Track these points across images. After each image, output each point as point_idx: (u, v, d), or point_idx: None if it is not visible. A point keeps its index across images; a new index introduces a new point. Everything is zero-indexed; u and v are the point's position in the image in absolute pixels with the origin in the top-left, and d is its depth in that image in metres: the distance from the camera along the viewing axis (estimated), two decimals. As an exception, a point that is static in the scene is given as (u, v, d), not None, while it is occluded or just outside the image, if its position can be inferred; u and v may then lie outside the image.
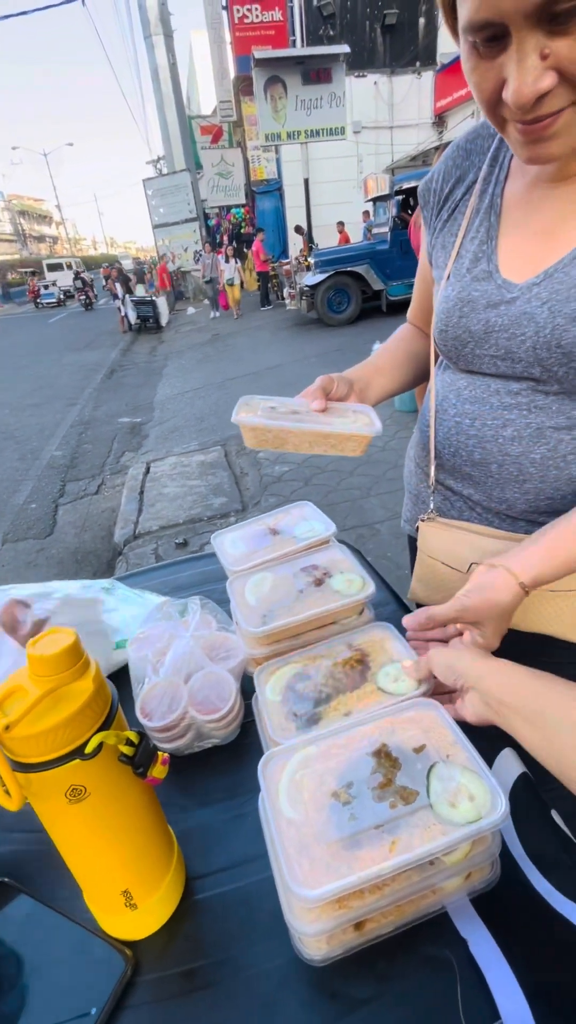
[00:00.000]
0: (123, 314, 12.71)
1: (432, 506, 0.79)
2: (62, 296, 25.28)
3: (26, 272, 37.55)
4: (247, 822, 0.61)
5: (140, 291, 13.37)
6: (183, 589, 1.07)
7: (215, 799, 0.67)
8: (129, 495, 3.95)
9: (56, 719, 0.39)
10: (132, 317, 12.46)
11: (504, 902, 0.51)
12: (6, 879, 0.58)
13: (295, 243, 13.97)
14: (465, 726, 0.54)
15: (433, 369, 0.80)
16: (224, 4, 14.64)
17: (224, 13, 15.03)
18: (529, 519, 0.68)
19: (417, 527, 0.80)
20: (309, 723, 0.61)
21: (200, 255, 13.25)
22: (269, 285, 12.32)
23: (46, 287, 25.69)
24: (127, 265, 19.98)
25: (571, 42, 0.43)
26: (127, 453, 5.03)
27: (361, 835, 0.46)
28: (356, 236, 11.83)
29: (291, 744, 0.56)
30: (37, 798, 0.42)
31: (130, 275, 13.89)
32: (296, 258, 11.47)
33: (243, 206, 18.22)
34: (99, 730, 0.41)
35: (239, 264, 11.82)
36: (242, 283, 12.03)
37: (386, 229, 8.49)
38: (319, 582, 0.79)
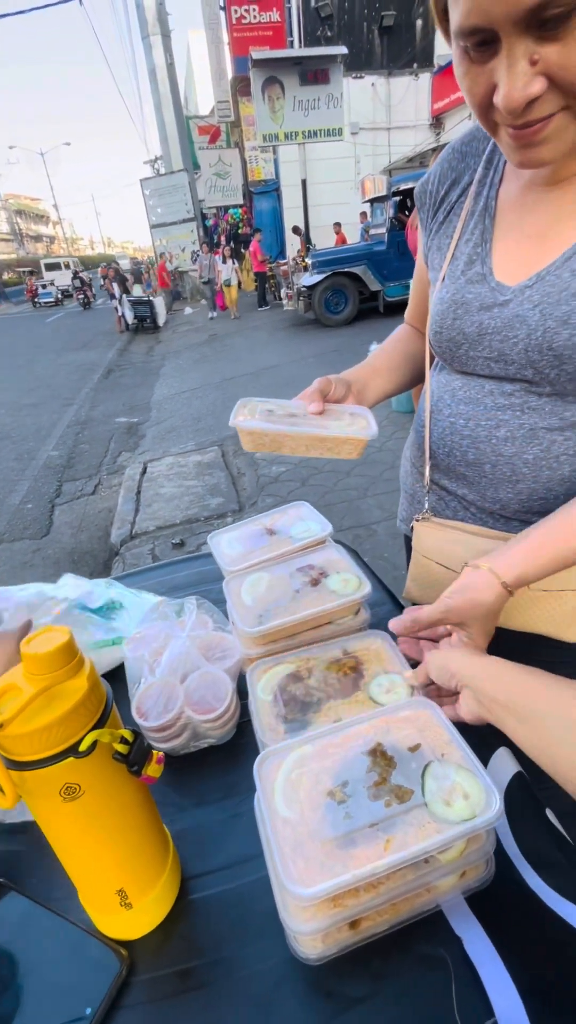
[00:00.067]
0: (120, 314, 12.69)
1: (427, 506, 0.79)
2: (60, 296, 25.53)
3: (23, 272, 37.65)
4: (243, 822, 0.61)
5: (137, 291, 13.36)
6: (179, 589, 1.07)
7: (211, 799, 0.67)
8: (126, 495, 3.94)
9: (50, 717, 0.39)
10: (129, 317, 12.45)
11: (499, 900, 0.51)
12: (0, 879, 0.58)
13: (292, 244, 13.97)
14: (460, 726, 0.55)
15: (428, 370, 0.80)
16: (222, 4, 14.64)
17: (222, 13, 15.04)
18: (523, 519, 0.68)
19: (412, 527, 0.81)
20: (299, 728, 0.61)
21: (197, 255, 13.24)
22: (267, 286, 12.32)
23: (44, 286, 25.94)
24: (124, 265, 20.07)
25: (560, 48, 0.43)
26: (124, 453, 5.02)
27: (356, 833, 0.46)
28: (353, 237, 11.85)
29: (287, 743, 0.56)
30: (31, 796, 0.42)
31: (127, 275, 13.87)
32: (294, 259, 11.48)
33: (241, 206, 18.22)
34: (93, 728, 0.41)
35: (236, 265, 11.81)
36: (240, 283, 12.01)
37: (383, 230, 8.51)
38: (315, 582, 0.79)
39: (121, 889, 0.50)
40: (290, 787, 0.51)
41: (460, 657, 0.56)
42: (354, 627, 0.77)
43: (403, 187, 8.02)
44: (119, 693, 0.74)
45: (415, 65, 15.14)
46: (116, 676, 0.83)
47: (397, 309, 8.15)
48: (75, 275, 21.89)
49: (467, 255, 0.67)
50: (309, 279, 8.73)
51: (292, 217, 14.85)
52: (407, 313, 0.93)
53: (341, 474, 3.76)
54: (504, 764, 0.64)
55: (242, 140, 16.85)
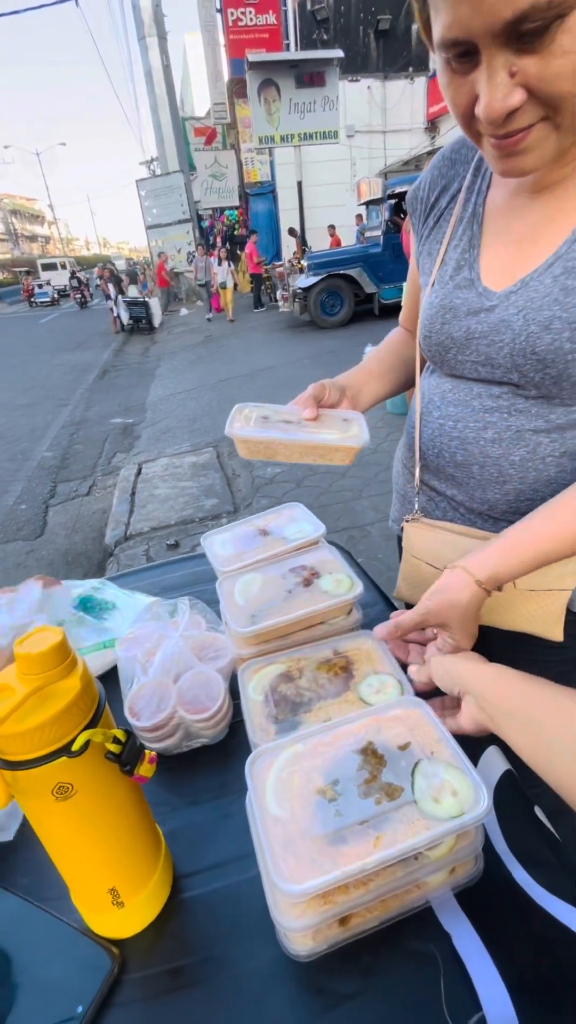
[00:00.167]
0: (115, 315, 12.67)
1: (417, 507, 0.80)
2: (56, 295, 25.91)
3: (18, 271, 37.79)
4: (235, 821, 0.61)
5: (133, 292, 13.34)
6: (173, 590, 1.07)
7: (203, 798, 0.67)
8: (120, 496, 3.93)
9: (43, 717, 0.39)
10: (124, 318, 12.43)
11: (488, 897, 0.52)
12: (-7, 879, 0.58)
13: (288, 245, 14.00)
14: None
15: (418, 373, 0.81)
16: (218, 7, 14.65)
17: (218, 16, 15.06)
18: (510, 520, 0.69)
19: (402, 527, 0.82)
20: (290, 728, 0.61)
21: (193, 256, 13.24)
22: (262, 287, 12.33)
23: (40, 286, 26.30)
24: (120, 266, 20.16)
25: (538, 60, 0.44)
26: (119, 454, 5.01)
27: (346, 831, 0.47)
28: (349, 239, 11.88)
29: (278, 743, 0.56)
30: (24, 796, 0.42)
31: (122, 275, 13.85)
32: (289, 260, 11.49)
33: (237, 208, 18.23)
34: (86, 728, 0.42)
35: (232, 267, 11.81)
36: (236, 285, 12.01)
37: (379, 233, 8.54)
38: (308, 582, 0.80)
39: (113, 888, 0.50)
40: (281, 786, 0.52)
41: (462, 663, 0.56)
42: (346, 627, 0.78)
43: (399, 190, 8.05)
44: (112, 693, 0.74)
45: (410, 69, 15.22)
46: (109, 676, 0.83)
47: (392, 311, 8.16)
48: (72, 275, 22.36)
49: (456, 260, 0.68)
50: (305, 281, 8.75)
51: (288, 219, 14.88)
52: (401, 316, 0.94)
53: (336, 475, 3.77)
54: (494, 762, 0.65)
55: (238, 142, 16.87)
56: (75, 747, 0.40)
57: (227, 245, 14.22)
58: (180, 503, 3.73)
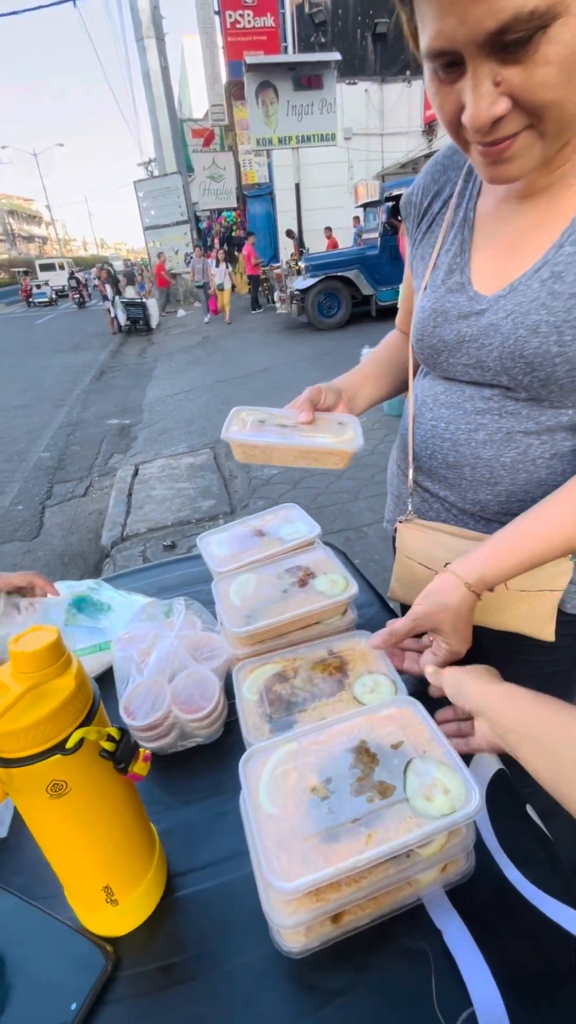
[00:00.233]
0: (113, 315, 12.67)
1: (410, 507, 0.81)
2: (54, 296, 26.40)
3: (16, 272, 38.12)
4: (229, 820, 0.62)
5: (130, 293, 13.34)
6: (169, 590, 1.08)
7: (198, 797, 0.67)
8: (117, 497, 3.93)
9: (37, 715, 0.39)
10: (122, 319, 12.43)
11: (479, 894, 0.52)
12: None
13: (286, 247, 14.02)
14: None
15: (411, 375, 0.82)
16: (216, 9, 14.68)
17: (216, 18, 15.08)
18: (502, 521, 0.69)
19: (396, 528, 0.82)
20: (284, 727, 0.62)
21: (191, 258, 13.24)
22: (260, 289, 12.35)
23: (38, 286, 26.73)
24: (118, 267, 20.37)
25: (521, 70, 0.45)
26: (115, 455, 5.01)
27: (339, 828, 0.47)
28: (346, 241, 11.91)
29: (272, 741, 0.56)
30: (18, 793, 0.43)
31: (119, 276, 13.85)
32: (287, 262, 11.51)
33: (234, 209, 18.25)
34: (80, 726, 0.42)
35: (230, 268, 11.81)
36: (233, 286, 12.02)
37: (376, 235, 8.57)
38: (303, 583, 0.80)
39: (107, 886, 0.50)
40: (275, 784, 0.52)
41: (474, 683, 0.55)
42: (341, 627, 0.78)
43: (396, 192, 8.07)
44: (107, 693, 0.75)
45: (408, 72, 15.26)
46: (104, 677, 0.83)
47: (389, 313, 8.20)
48: (71, 275, 23.29)
49: (447, 265, 0.69)
50: (302, 283, 8.77)
51: (285, 221, 14.90)
52: (398, 319, 0.94)
53: (333, 477, 3.78)
54: (487, 762, 0.65)
55: (236, 144, 16.91)
56: (69, 745, 0.41)
57: (225, 246, 14.24)
58: (177, 504, 3.73)
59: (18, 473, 4.80)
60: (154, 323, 12.52)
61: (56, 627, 0.42)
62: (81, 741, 0.41)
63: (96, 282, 14.89)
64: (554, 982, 0.47)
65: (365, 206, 9.49)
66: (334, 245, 11.64)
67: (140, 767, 0.47)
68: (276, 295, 11.15)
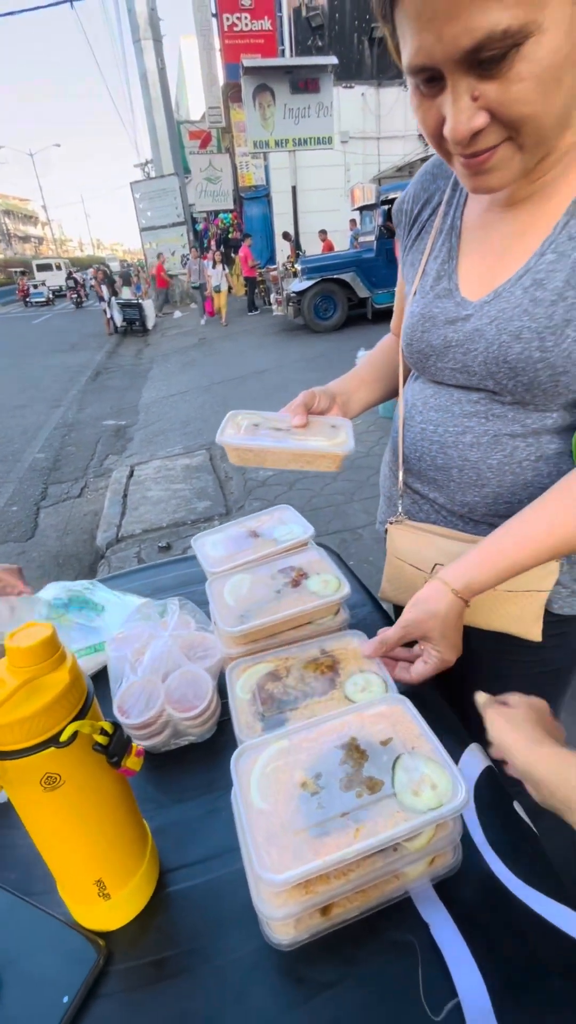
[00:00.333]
0: (109, 316, 12.66)
1: (401, 509, 0.82)
2: (51, 296, 26.87)
3: (13, 272, 38.44)
4: (221, 817, 0.62)
5: (126, 294, 13.35)
6: (164, 591, 1.08)
7: (190, 795, 0.68)
8: (112, 498, 3.93)
9: (32, 708, 0.40)
10: (118, 320, 12.43)
11: (466, 888, 0.53)
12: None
13: (282, 249, 14.06)
14: (432, 720, 0.57)
15: (401, 379, 0.84)
16: (214, 11, 14.73)
17: (214, 20, 15.12)
18: (490, 522, 0.71)
19: (386, 529, 0.83)
20: (276, 726, 0.63)
21: (187, 259, 13.26)
22: (256, 291, 12.37)
23: (35, 286, 27.11)
24: (114, 267, 20.56)
25: (498, 85, 0.47)
26: (111, 456, 5.00)
27: (328, 823, 0.48)
28: (343, 244, 11.95)
29: (263, 739, 0.57)
30: (12, 786, 0.43)
31: (116, 277, 13.85)
32: (283, 264, 11.54)
33: (231, 211, 18.29)
34: (74, 719, 0.43)
35: (227, 270, 11.83)
36: (230, 288, 12.03)
37: (372, 238, 8.61)
38: (296, 583, 0.81)
39: (100, 880, 0.51)
40: (266, 780, 0.53)
41: (515, 741, 0.51)
42: (334, 627, 0.79)
43: (392, 196, 8.12)
44: (102, 693, 0.75)
45: (404, 77, 15.35)
46: (99, 677, 0.84)
47: (385, 316, 8.20)
48: (69, 275, 23.96)
49: (435, 271, 0.71)
50: (299, 285, 8.79)
51: (282, 223, 14.94)
52: (392, 323, 0.96)
53: (328, 479, 3.79)
54: (475, 759, 0.66)
55: (233, 146, 16.93)
56: (63, 738, 0.41)
57: (221, 248, 14.26)
58: (172, 505, 3.73)
59: (13, 474, 4.79)
60: (150, 324, 12.52)
61: (51, 623, 0.43)
62: (75, 734, 0.42)
63: (93, 282, 14.90)
64: (539, 974, 0.48)
65: (361, 209, 9.53)
66: (329, 248, 11.68)
67: (133, 762, 0.48)
68: (272, 297, 11.18)
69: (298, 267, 9.19)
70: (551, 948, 0.49)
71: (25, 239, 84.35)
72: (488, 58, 0.45)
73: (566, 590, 0.71)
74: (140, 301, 12.57)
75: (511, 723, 0.53)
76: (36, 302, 26.18)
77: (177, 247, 15.29)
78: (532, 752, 0.49)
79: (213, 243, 16.01)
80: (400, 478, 0.81)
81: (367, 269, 8.57)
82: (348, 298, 8.82)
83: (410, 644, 0.69)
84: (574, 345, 0.57)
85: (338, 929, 0.50)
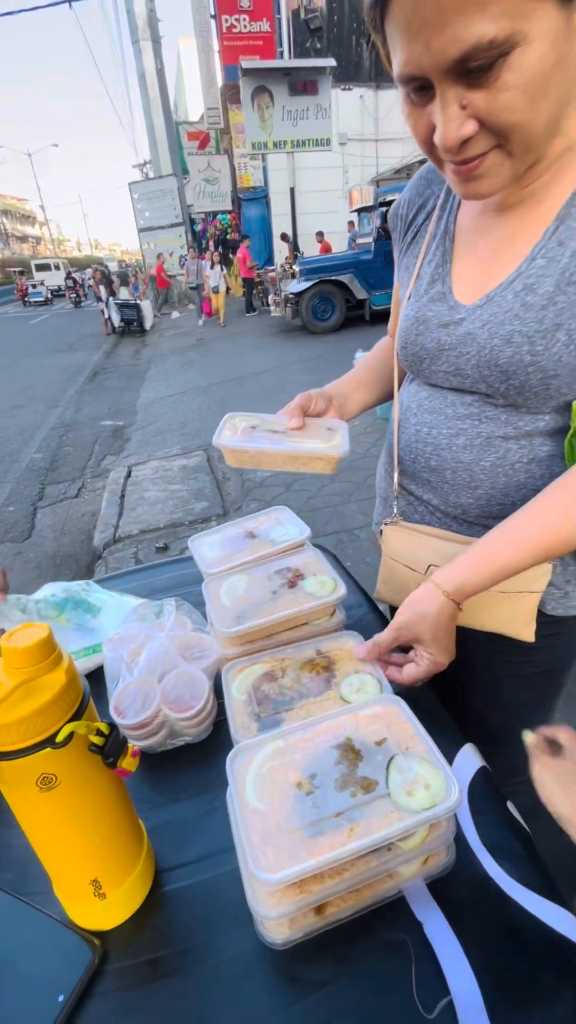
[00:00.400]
0: (107, 316, 12.65)
1: (396, 510, 0.82)
2: (50, 295, 27.44)
3: (12, 271, 38.80)
4: (216, 816, 0.63)
5: (124, 294, 13.35)
6: (161, 592, 1.08)
7: (186, 795, 0.68)
8: (110, 499, 3.93)
9: (29, 709, 0.40)
10: (116, 320, 12.42)
11: (459, 887, 0.54)
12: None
13: (281, 251, 14.07)
14: (426, 721, 0.57)
15: (396, 382, 0.84)
16: (212, 13, 14.74)
17: (212, 22, 15.13)
18: (483, 524, 0.71)
19: (381, 530, 0.84)
20: (272, 726, 0.63)
21: (185, 259, 13.26)
22: (254, 292, 12.38)
23: (34, 286, 27.65)
24: (112, 267, 20.81)
25: (485, 94, 0.48)
26: (108, 456, 5.00)
27: (323, 822, 0.48)
28: (340, 246, 11.97)
29: (259, 739, 0.58)
30: (9, 786, 0.44)
31: (114, 277, 13.87)
32: (281, 265, 11.55)
33: (229, 212, 18.30)
34: (70, 720, 0.43)
35: (225, 271, 11.84)
36: (228, 289, 12.04)
37: (370, 240, 8.62)
38: (292, 584, 0.82)
39: (95, 879, 0.51)
40: (261, 780, 0.53)
41: (552, 784, 0.50)
42: (330, 628, 0.80)
43: (390, 198, 8.14)
44: (98, 693, 0.75)
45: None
46: (96, 678, 0.84)
47: (383, 317, 8.21)
48: (68, 275, 25.00)
49: (430, 275, 0.71)
50: (296, 286, 8.80)
51: (280, 224, 14.97)
52: (390, 326, 0.96)
53: (325, 480, 3.80)
54: (469, 759, 0.67)
55: (231, 147, 16.95)
56: (59, 738, 0.42)
57: (220, 249, 14.27)
58: (170, 506, 3.73)
59: (10, 474, 4.78)
60: (148, 325, 12.52)
61: (47, 624, 0.43)
62: (71, 735, 0.42)
63: (91, 282, 14.93)
64: (531, 972, 0.48)
65: (359, 211, 9.55)
66: (326, 249, 11.70)
67: (128, 762, 0.48)
68: (270, 298, 11.19)
69: (296, 268, 9.21)
70: (543, 946, 0.49)
71: (23, 239, 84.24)
72: (475, 68, 0.46)
73: (559, 591, 0.72)
74: (138, 301, 12.57)
75: (559, 783, 0.50)
76: (35, 302, 26.64)
77: (175, 248, 15.29)
78: (566, 796, 0.48)
79: (211, 244, 16.01)
80: (395, 479, 0.82)
81: (365, 271, 8.58)
82: (346, 299, 8.84)
83: (406, 650, 0.70)
84: (564, 349, 0.58)
85: (332, 928, 0.50)
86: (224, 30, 14.16)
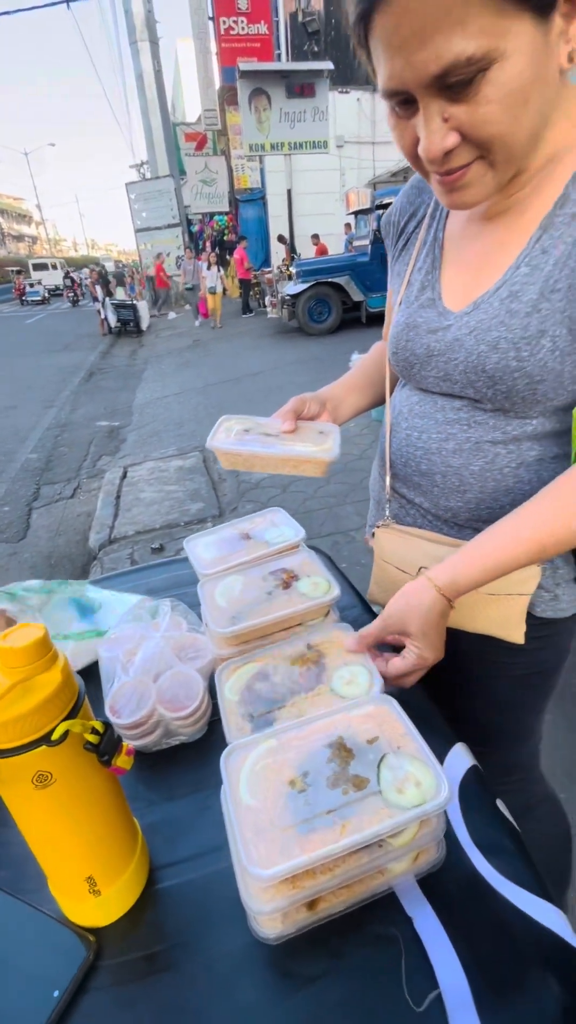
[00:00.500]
0: (103, 317, 12.64)
1: (388, 513, 0.83)
2: (47, 294, 27.99)
3: (9, 271, 39.12)
4: (211, 814, 0.63)
5: (120, 294, 13.35)
6: (156, 593, 1.09)
7: (180, 794, 0.69)
8: (105, 499, 3.92)
9: (25, 707, 0.41)
10: (112, 320, 12.41)
11: (449, 883, 0.55)
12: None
13: (277, 252, 14.10)
14: (417, 720, 0.58)
15: (388, 386, 0.86)
16: (211, 15, 14.77)
17: (210, 24, 15.16)
18: (473, 527, 0.73)
19: (374, 532, 0.85)
20: (265, 725, 0.64)
21: (181, 260, 13.27)
22: (251, 293, 12.39)
23: (31, 285, 28.12)
24: (108, 268, 20.96)
25: (466, 108, 0.50)
26: (104, 457, 5.00)
27: (315, 819, 0.49)
28: (337, 248, 12.00)
29: (253, 737, 0.58)
30: (4, 784, 0.44)
31: (110, 277, 13.87)
32: (278, 267, 11.57)
33: (226, 214, 18.32)
34: (65, 718, 0.44)
35: (222, 272, 11.84)
36: (225, 290, 12.05)
37: (367, 242, 8.65)
38: (287, 585, 0.82)
39: (90, 876, 0.52)
40: (254, 778, 0.54)
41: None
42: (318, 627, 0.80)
43: (386, 200, 8.17)
44: (94, 693, 0.76)
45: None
46: (92, 678, 0.84)
47: (379, 319, 8.21)
48: (66, 275, 26.01)
49: (420, 282, 0.73)
50: (293, 288, 8.82)
51: (277, 226, 14.98)
52: (384, 330, 0.98)
53: (321, 481, 3.81)
54: (460, 758, 0.68)
55: (228, 148, 16.97)
56: (55, 736, 0.42)
57: (216, 250, 14.27)
58: (165, 507, 3.73)
59: (5, 474, 4.77)
60: (144, 325, 12.51)
61: (43, 624, 0.44)
62: (66, 733, 0.43)
63: (88, 282, 14.94)
64: (518, 967, 0.49)
65: (356, 213, 9.59)
66: (322, 251, 11.72)
67: (123, 760, 0.49)
68: (267, 300, 11.20)
69: (293, 270, 9.23)
70: (530, 941, 0.50)
71: (19, 238, 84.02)
72: (455, 82, 0.48)
73: (548, 594, 0.73)
74: (134, 302, 12.56)
75: None
76: (32, 301, 27.04)
77: (172, 248, 15.29)
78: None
79: (208, 245, 16.02)
80: (387, 483, 0.83)
81: (362, 273, 8.61)
82: (342, 301, 8.86)
83: (398, 650, 0.70)
84: (549, 355, 0.59)
85: (324, 923, 0.51)
86: (222, 32, 14.20)
